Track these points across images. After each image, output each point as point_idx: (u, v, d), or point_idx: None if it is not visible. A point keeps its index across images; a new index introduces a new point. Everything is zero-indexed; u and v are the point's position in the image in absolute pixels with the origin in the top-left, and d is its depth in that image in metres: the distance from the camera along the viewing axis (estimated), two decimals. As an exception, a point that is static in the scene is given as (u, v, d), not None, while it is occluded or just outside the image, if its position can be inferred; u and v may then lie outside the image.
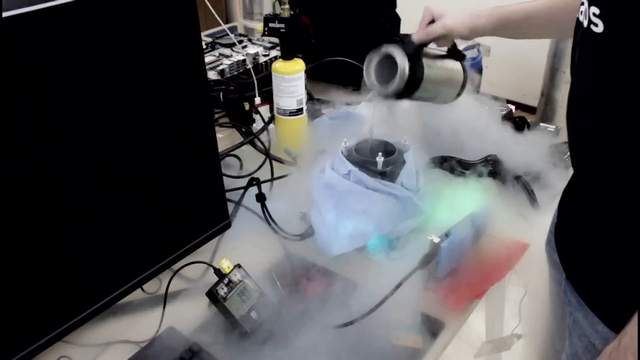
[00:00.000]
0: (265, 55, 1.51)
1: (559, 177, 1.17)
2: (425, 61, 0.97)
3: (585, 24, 0.70)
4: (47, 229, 0.72)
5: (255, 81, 1.34)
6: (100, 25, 0.70)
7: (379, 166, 1.00)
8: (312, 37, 1.53)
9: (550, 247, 0.94)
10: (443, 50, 1.04)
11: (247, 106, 1.35)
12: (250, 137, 1.28)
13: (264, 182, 1.11)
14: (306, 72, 1.22)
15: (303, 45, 1.52)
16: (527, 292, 1.04)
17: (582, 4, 0.71)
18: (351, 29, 1.54)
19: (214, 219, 0.96)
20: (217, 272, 0.89)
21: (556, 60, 2.74)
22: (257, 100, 1.32)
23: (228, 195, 1.06)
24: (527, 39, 1.03)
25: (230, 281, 0.88)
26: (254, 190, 1.08)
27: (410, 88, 0.95)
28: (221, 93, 1.35)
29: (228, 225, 1.00)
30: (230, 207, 1.06)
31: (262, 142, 1.26)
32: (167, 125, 0.82)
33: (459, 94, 1.07)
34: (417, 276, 0.91)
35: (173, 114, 0.83)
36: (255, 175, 1.12)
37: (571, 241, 0.84)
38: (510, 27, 0.99)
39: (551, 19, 0.96)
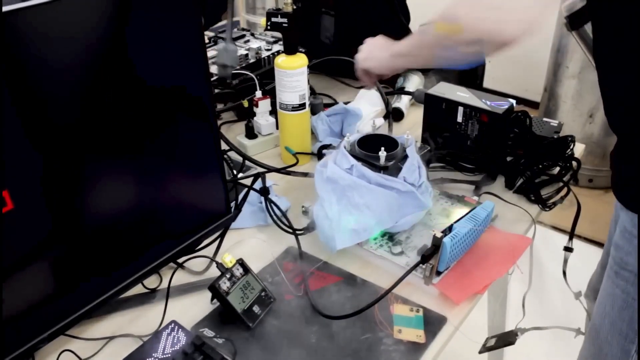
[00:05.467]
0: (267, 50, 1.51)
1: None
2: None
3: None
4: (46, 226, 0.72)
5: (255, 77, 1.34)
6: (103, 19, 0.70)
7: (382, 161, 1.00)
8: (331, 8, 1.54)
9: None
10: None
11: (245, 103, 1.35)
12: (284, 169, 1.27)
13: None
14: (309, 67, 1.21)
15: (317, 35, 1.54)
16: (530, 287, 1.04)
17: None
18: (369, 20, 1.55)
19: (216, 213, 0.96)
20: (220, 266, 0.89)
21: (559, 55, 2.73)
22: (258, 94, 1.32)
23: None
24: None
25: (232, 275, 0.88)
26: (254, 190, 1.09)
27: None
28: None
29: (231, 220, 1.00)
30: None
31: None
32: (169, 120, 0.82)
33: None
34: (419, 270, 0.91)
35: (175, 108, 0.83)
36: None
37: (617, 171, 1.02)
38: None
39: None
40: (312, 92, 1.48)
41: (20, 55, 0.63)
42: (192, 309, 0.90)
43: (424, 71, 1.59)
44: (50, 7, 0.64)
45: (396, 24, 1.52)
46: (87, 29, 0.69)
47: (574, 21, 1.03)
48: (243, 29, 1.67)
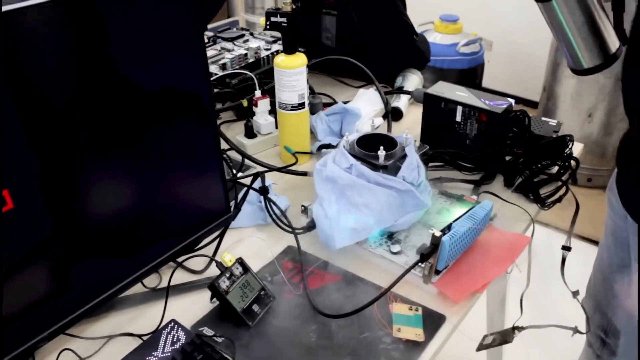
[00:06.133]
0: (267, 50, 1.51)
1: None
2: None
3: None
4: (47, 225, 0.72)
5: (254, 77, 1.35)
6: (103, 18, 0.70)
7: (381, 160, 1.00)
8: (332, 8, 1.55)
9: (610, 192, 1.12)
10: None
11: (245, 103, 1.35)
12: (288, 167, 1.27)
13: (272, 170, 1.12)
14: (308, 66, 1.22)
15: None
16: (528, 286, 1.04)
17: None
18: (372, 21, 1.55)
19: (216, 212, 0.96)
20: (219, 265, 0.90)
21: (558, 54, 2.74)
22: (257, 93, 1.33)
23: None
24: None
25: (232, 274, 0.89)
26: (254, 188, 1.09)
27: None
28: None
29: (230, 219, 1.00)
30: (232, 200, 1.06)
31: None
32: (168, 119, 0.82)
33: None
34: (418, 269, 0.92)
35: (175, 108, 0.83)
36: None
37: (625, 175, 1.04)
38: None
39: None
40: (312, 91, 1.48)
41: (22, 55, 0.63)
42: (192, 308, 0.91)
43: (422, 70, 1.60)
44: (50, 7, 0.64)
45: (401, 23, 1.52)
46: (88, 28, 0.69)
47: None
48: (242, 29, 1.67)
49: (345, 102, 1.39)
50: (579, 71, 1.03)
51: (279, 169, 1.20)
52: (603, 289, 1.19)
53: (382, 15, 1.51)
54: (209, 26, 1.73)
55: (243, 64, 1.45)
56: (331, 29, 1.61)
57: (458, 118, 1.22)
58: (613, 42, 0.99)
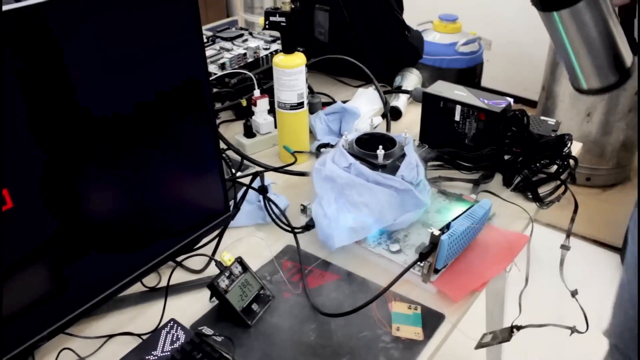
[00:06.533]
0: (266, 49, 1.51)
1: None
2: None
3: None
4: (46, 225, 0.72)
5: (253, 76, 1.35)
6: (100, 17, 0.70)
7: (380, 159, 1.00)
8: (326, 3, 1.55)
9: (634, 226, 1.14)
10: None
11: (244, 102, 1.36)
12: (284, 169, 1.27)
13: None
14: (307, 66, 1.22)
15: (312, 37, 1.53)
16: (527, 284, 1.04)
17: None
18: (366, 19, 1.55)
19: (215, 212, 0.96)
20: (219, 264, 0.90)
21: (557, 54, 2.74)
22: (257, 92, 1.33)
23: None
24: None
25: (231, 274, 0.89)
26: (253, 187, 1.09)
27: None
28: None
29: (230, 218, 1.00)
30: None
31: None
32: (168, 119, 0.82)
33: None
34: (417, 268, 0.92)
35: (174, 107, 0.83)
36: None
37: None
38: None
39: None
40: (311, 91, 1.48)
41: (23, 54, 0.63)
42: (191, 307, 0.91)
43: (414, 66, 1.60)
44: (50, 6, 0.64)
45: (393, 19, 1.52)
46: (88, 26, 0.69)
47: (545, 1, 0.84)
48: (241, 28, 1.67)
49: (344, 102, 1.39)
50: (585, 91, 0.92)
51: (276, 169, 1.20)
52: (626, 325, 1.19)
53: (373, 10, 1.52)
54: (208, 26, 1.73)
55: (242, 64, 1.46)
56: (324, 24, 1.61)
57: (457, 117, 1.22)
58: (628, 54, 0.87)
